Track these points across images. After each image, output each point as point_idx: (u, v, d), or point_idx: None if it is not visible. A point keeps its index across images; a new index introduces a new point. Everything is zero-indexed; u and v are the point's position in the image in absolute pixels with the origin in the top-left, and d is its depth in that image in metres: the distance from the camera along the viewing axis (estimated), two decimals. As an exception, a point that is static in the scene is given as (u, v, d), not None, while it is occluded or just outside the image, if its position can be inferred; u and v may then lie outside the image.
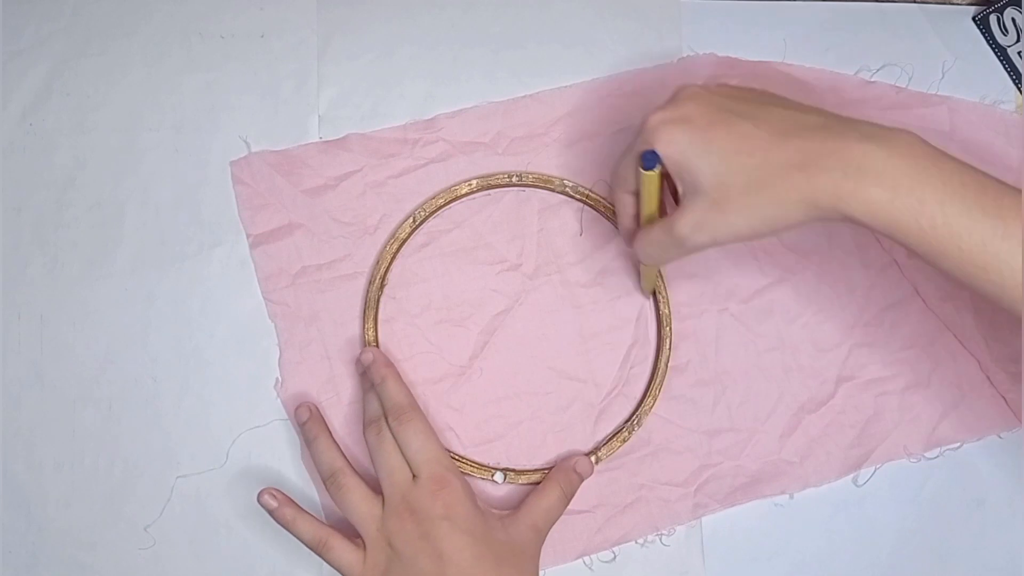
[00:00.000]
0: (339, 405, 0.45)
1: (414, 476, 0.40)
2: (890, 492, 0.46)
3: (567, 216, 0.47)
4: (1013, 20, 0.48)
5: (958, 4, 0.50)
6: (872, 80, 0.47)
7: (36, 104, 0.47)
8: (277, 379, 0.45)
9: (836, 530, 0.46)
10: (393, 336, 0.46)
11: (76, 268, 0.46)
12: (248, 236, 0.46)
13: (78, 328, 0.46)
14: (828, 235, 0.48)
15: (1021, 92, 0.49)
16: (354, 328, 0.46)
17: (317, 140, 0.47)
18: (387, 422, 0.41)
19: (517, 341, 0.46)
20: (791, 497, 0.46)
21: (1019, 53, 0.48)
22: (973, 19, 0.49)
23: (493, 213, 0.47)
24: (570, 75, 0.48)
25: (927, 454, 0.46)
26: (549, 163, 0.47)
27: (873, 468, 0.46)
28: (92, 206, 0.46)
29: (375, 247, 0.46)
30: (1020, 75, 0.48)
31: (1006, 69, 0.49)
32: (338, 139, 0.47)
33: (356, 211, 0.47)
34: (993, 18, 0.49)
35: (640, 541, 0.45)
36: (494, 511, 0.42)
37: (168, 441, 0.45)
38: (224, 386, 0.46)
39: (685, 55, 0.48)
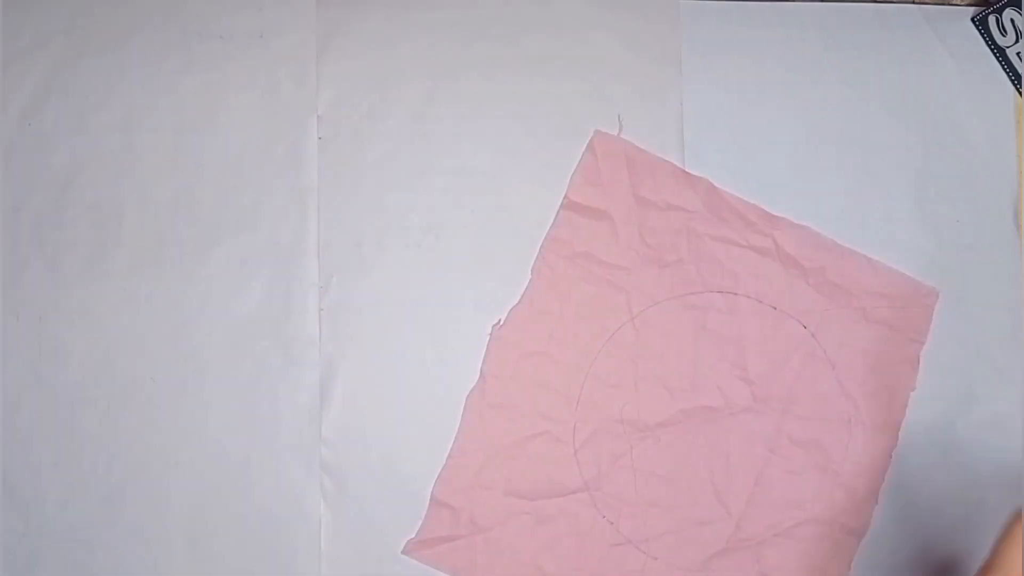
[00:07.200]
0: None
1: None
2: (891, 492, 0.46)
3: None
4: (1012, 21, 0.48)
5: (957, 5, 0.50)
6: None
7: (35, 104, 0.47)
8: (499, 319, 0.46)
9: (836, 531, 0.46)
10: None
11: (75, 268, 0.46)
12: (564, 197, 0.47)
13: (77, 328, 0.46)
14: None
15: (1020, 93, 0.49)
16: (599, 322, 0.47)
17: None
18: None
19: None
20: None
21: (1018, 54, 0.48)
22: (972, 20, 0.49)
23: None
24: (570, 73, 0.48)
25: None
26: (839, 327, 0.47)
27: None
28: (91, 206, 0.46)
29: (655, 281, 0.47)
30: (1019, 76, 0.48)
31: (1005, 70, 0.49)
32: (694, 176, 0.47)
33: (662, 240, 0.47)
34: (992, 19, 0.49)
35: None
36: None
37: (166, 441, 0.45)
38: (222, 386, 0.46)
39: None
